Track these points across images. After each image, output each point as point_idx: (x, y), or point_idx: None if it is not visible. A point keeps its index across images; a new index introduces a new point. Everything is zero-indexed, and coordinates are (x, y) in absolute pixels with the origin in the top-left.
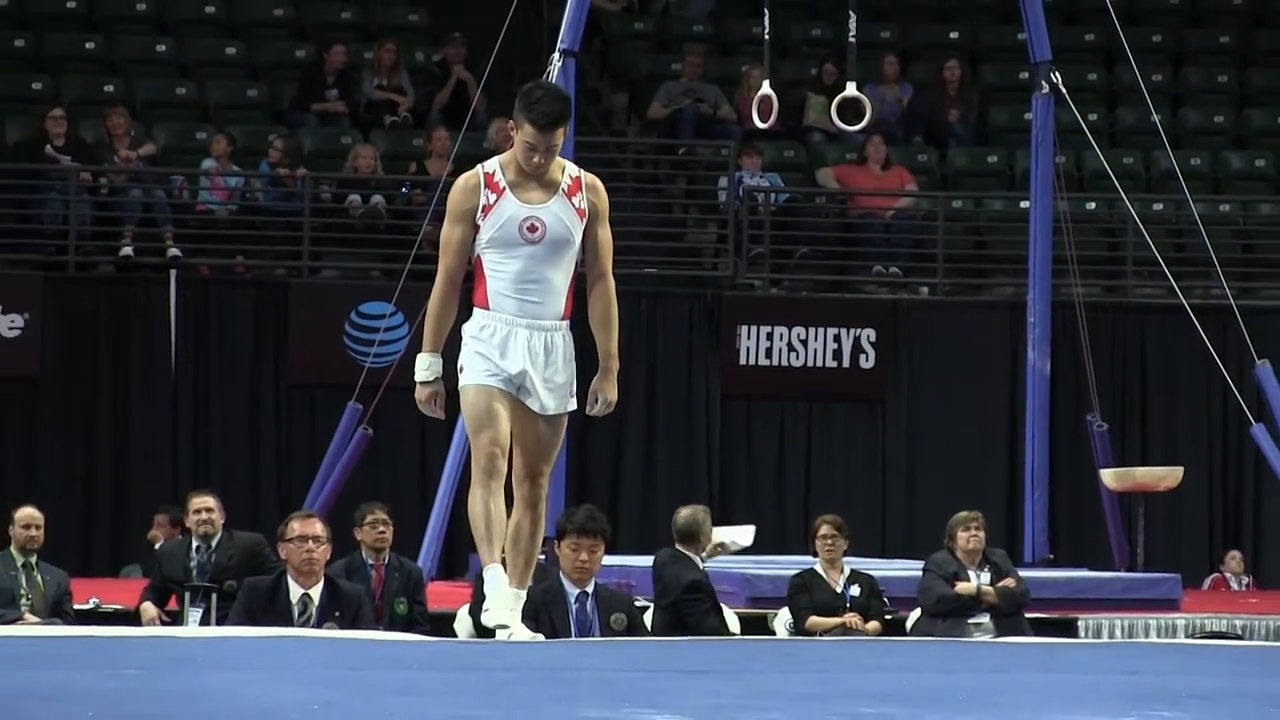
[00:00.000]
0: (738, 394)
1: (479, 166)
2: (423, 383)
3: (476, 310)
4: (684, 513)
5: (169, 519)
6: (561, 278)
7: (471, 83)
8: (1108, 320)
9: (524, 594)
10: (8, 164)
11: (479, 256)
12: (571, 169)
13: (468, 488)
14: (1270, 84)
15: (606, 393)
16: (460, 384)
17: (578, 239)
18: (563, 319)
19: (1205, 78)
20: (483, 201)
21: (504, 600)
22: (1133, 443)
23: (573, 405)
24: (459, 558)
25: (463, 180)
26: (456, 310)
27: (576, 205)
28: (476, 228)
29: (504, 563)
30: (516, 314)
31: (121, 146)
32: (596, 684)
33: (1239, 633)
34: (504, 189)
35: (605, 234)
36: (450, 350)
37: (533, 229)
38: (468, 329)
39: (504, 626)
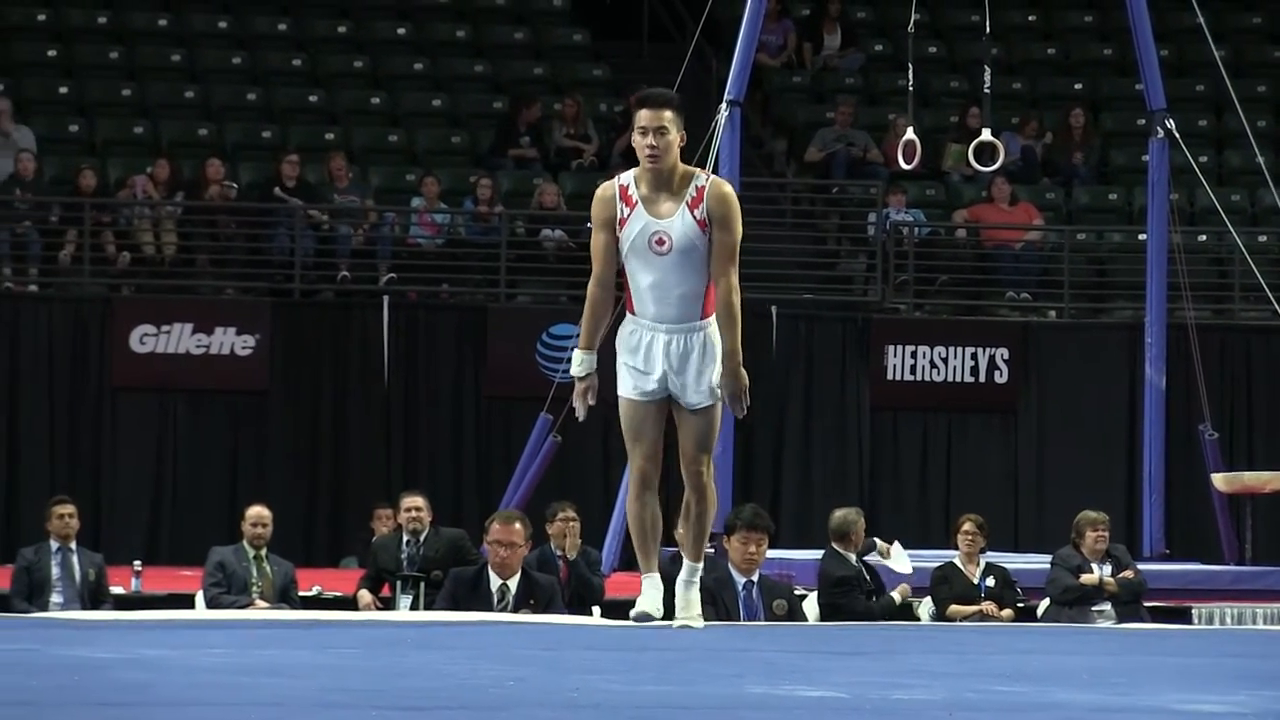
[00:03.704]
0: (885, 406)
1: (616, 178)
2: (577, 377)
3: (626, 315)
4: (837, 514)
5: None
6: (695, 283)
7: None
8: (1217, 340)
9: (692, 575)
10: (243, 203)
11: (623, 264)
12: (700, 178)
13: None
14: None
15: (726, 386)
16: (617, 394)
17: (703, 247)
18: (703, 319)
19: None
20: (619, 213)
21: (652, 598)
22: (1240, 449)
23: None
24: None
25: (601, 190)
26: (610, 310)
27: (698, 217)
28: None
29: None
30: (656, 319)
31: (340, 188)
32: (760, 663)
33: None
34: (636, 203)
35: (727, 238)
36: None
37: (660, 242)
38: (619, 335)
39: (649, 616)
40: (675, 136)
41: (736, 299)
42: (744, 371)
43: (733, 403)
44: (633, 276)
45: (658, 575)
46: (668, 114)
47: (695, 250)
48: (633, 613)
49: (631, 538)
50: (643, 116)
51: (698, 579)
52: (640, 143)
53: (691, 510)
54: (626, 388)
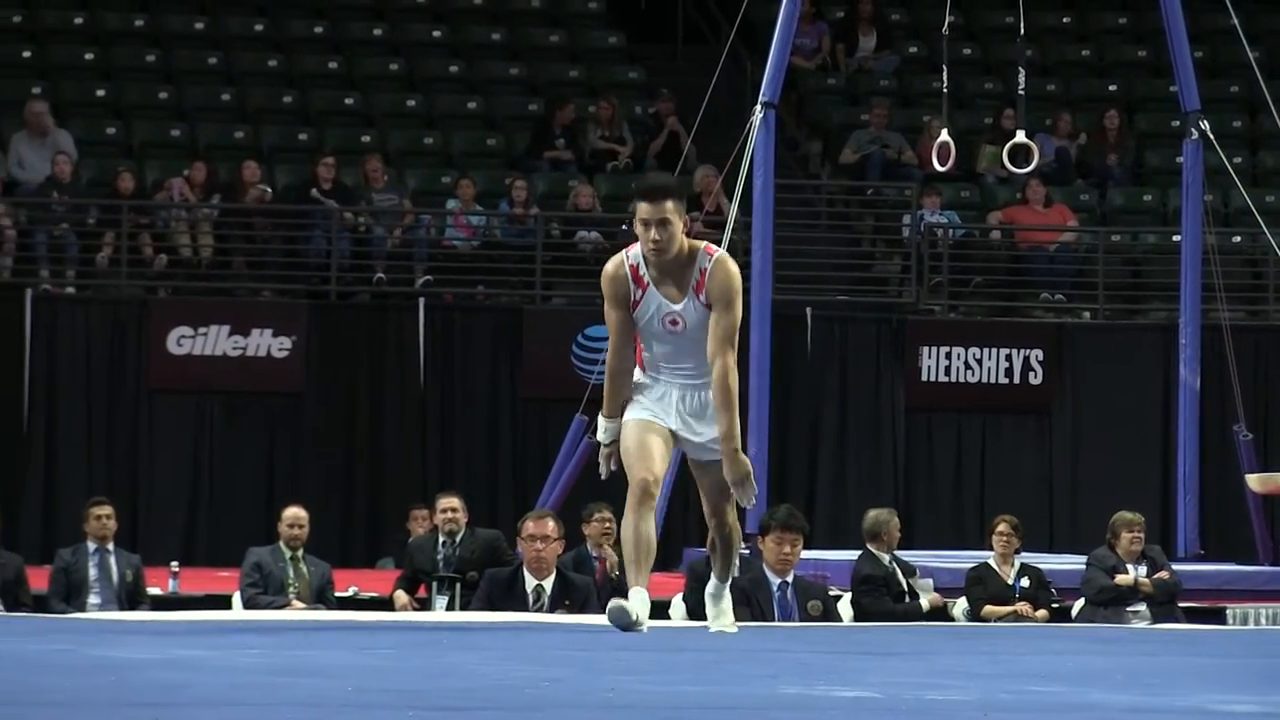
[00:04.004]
0: (920, 407)
1: (623, 255)
2: (604, 444)
3: (636, 370)
4: (870, 515)
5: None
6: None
7: (682, 133)
8: (1251, 341)
9: (720, 590)
10: (279, 205)
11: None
12: (704, 259)
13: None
14: None
15: (728, 474)
16: (623, 419)
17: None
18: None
19: None
20: (632, 295)
21: (640, 600)
22: (1275, 450)
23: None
24: (674, 550)
25: (612, 268)
26: (631, 378)
27: (703, 301)
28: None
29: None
30: (670, 378)
31: (376, 190)
32: (795, 664)
33: None
34: (648, 284)
35: (727, 320)
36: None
37: (674, 323)
38: (634, 380)
39: (626, 615)
40: (678, 226)
41: (734, 380)
42: (744, 457)
43: (737, 490)
44: (647, 345)
45: (645, 591)
46: (669, 204)
47: (705, 325)
48: (610, 605)
49: (623, 551)
50: (643, 209)
51: (726, 592)
52: (644, 235)
53: (718, 547)
54: (634, 409)
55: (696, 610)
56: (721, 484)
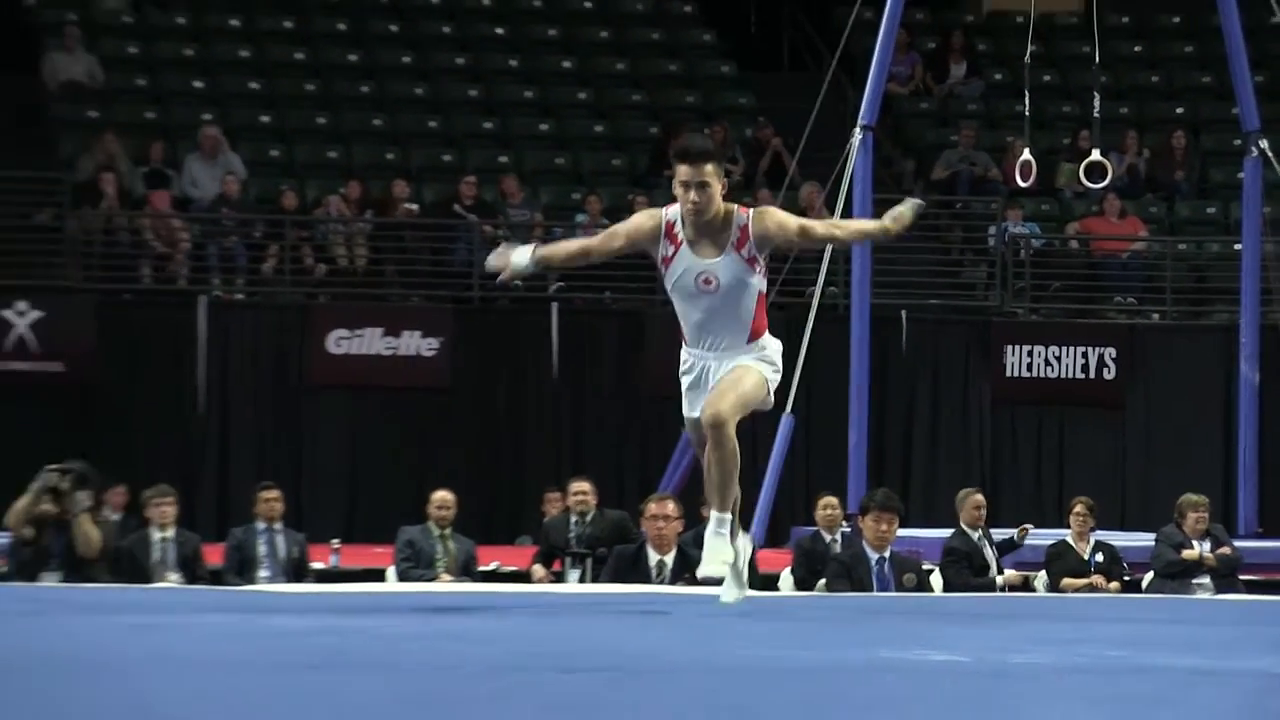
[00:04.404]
0: (1005, 400)
1: (664, 210)
2: (513, 260)
3: (683, 346)
4: (960, 495)
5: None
6: (744, 314)
7: (785, 153)
8: None
9: (720, 525)
10: (426, 219)
11: (671, 299)
12: (740, 217)
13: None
14: None
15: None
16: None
17: (754, 281)
18: (749, 343)
19: None
20: (662, 251)
21: (720, 556)
22: None
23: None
24: (781, 530)
25: (649, 214)
26: (575, 264)
27: (746, 256)
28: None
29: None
30: (708, 350)
31: (512, 206)
32: (892, 630)
33: None
34: (682, 243)
35: (793, 231)
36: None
37: (707, 282)
38: (682, 364)
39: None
40: (716, 188)
41: (841, 230)
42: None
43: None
44: (682, 314)
45: (728, 516)
46: (708, 167)
47: (742, 285)
48: (699, 573)
49: (708, 483)
50: (683, 171)
51: (725, 530)
52: (683, 196)
53: (711, 465)
54: (689, 408)
55: (804, 582)
56: (719, 389)
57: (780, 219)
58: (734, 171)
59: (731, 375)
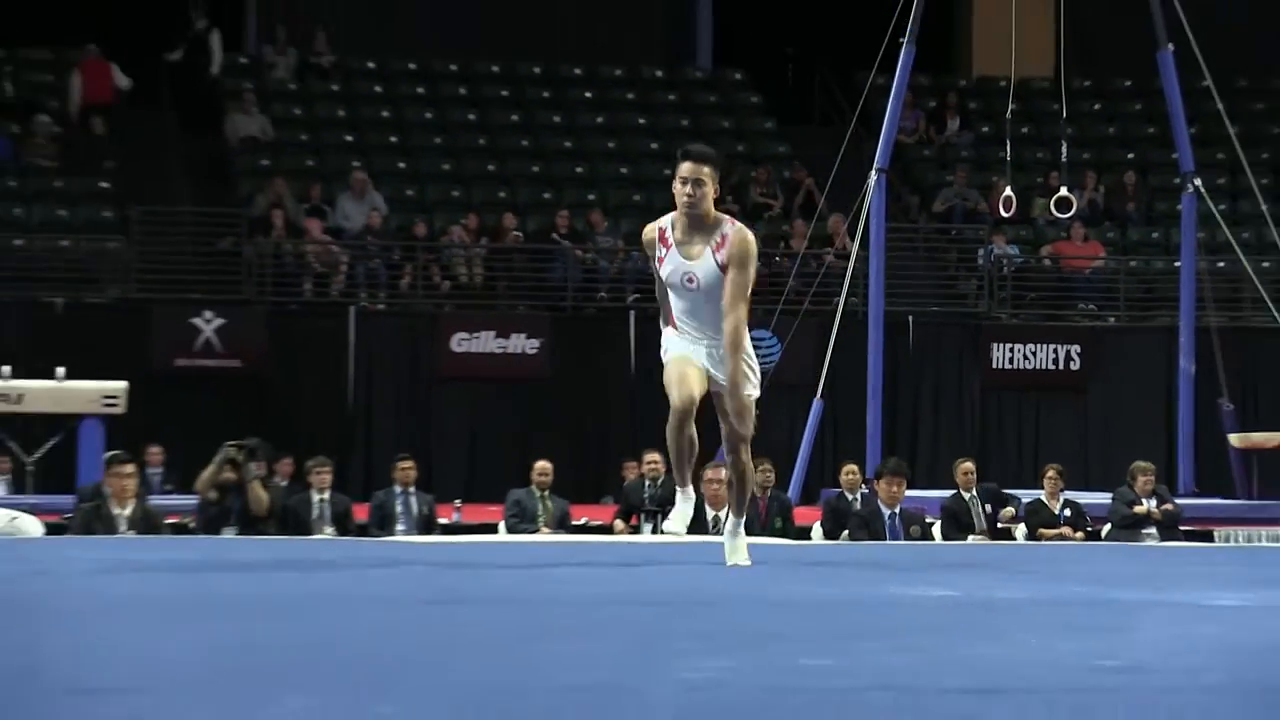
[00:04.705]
0: (992, 388)
1: (656, 222)
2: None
3: (667, 329)
4: (956, 463)
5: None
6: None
7: (816, 191)
8: (1232, 338)
9: (736, 528)
10: (529, 245)
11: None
12: (726, 226)
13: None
14: None
15: (729, 409)
16: (663, 357)
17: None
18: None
19: None
20: (658, 254)
21: (681, 516)
22: (1249, 417)
23: (751, 391)
24: (813, 491)
25: (647, 231)
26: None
27: (720, 261)
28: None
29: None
30: (696, 334)
31: (599, 234)
32: (899, 571)
33: None
34: (671, 245)
35: (741, 278)
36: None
37: (690, 280)
38: (666, 334)
39: (675, 533)
40: (710, 188)
41: (743, 333)
42: (744, 395)
43: (737, 420)
44: (673, 302)
45: (691, 489)
46: (706, 169)
47: (718, 288)
48: (664, 527)
49: (670, 459)
50: (684, 168)
51: (741, 530)
52: (680, 190)
53: (734, 486)
54: (671, 349)
55: (831, 533)
56: (735, 413)
57: (742, 261)
58: (774, 206)
59: (739, 404)
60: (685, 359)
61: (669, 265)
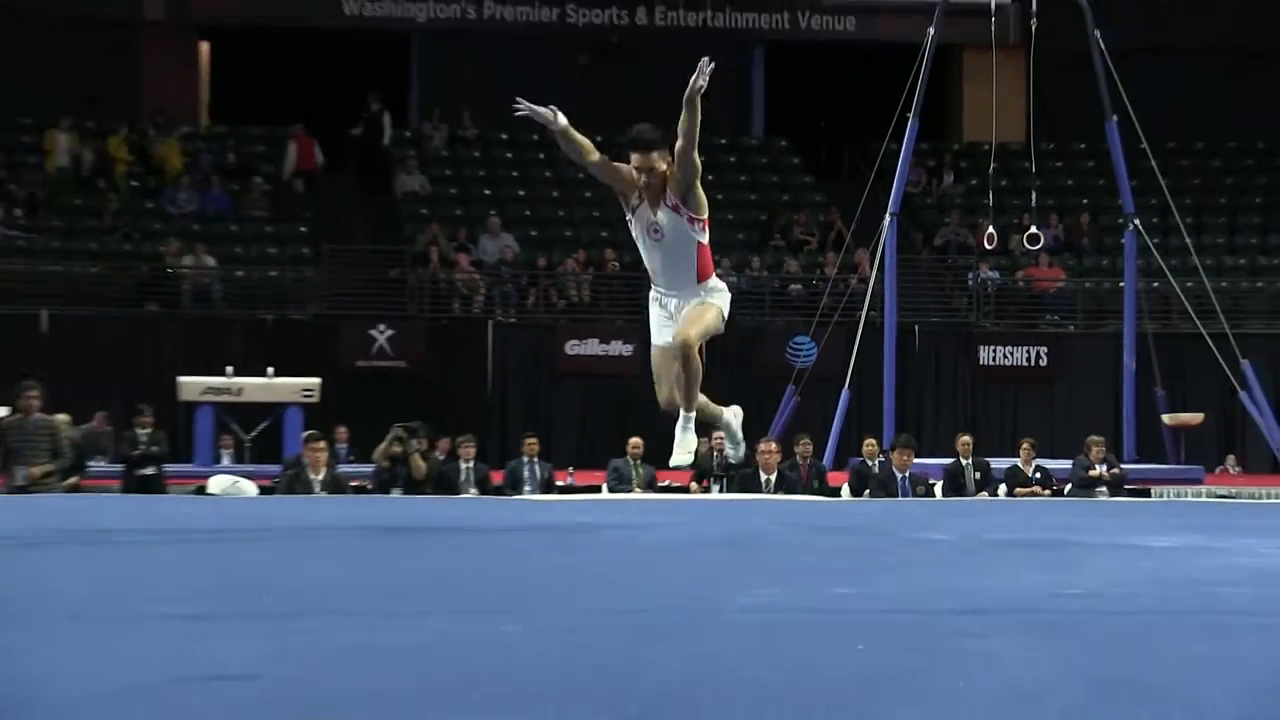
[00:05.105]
0: (980, 381)
1: (640, 175)
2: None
3: (652, 288)
4: (956, 437)
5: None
6: (690, 256)
7: (844, 230)
8: (1165, 342)
9: (686, 423)
10: (625, 273)
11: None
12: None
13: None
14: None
15: (688, 92)
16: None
17: (693, 234)
18: (699, 283)
19: (1202, 221)
20: (633, 203)
21: (682, 446)
22: (1176, 401)
23: (708, 298)
24: (842, 460)
25: (630, 171)
26: (582, 158)
27: (670, 204)
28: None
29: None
30: (666, 288)
31: None
32: (907, 521)
33: (1234, 495)
34: (644, 200)
35: (677, 152)
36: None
37: (655, 231)
38: (651, 299)
39: (682, 465)
40: (661, 166)
41: (683, 132)
42: (709, 318)
43: (699, 78)
44: (647, 260)
45: (693, 413)
46: (654, 154)
47: (683, 235)
48: (670, 462)
49: (677, 389)
50: (635, 159)
51: (690, 427)
52: (636, 178)
53: (683, 379)
54: (654, 338)
55: (856, 492)
56: (686, 320)
57: (670, 160)
58: (812, 242)
59: (695, 310)
60: (660, 351)
61: (641, 216)
